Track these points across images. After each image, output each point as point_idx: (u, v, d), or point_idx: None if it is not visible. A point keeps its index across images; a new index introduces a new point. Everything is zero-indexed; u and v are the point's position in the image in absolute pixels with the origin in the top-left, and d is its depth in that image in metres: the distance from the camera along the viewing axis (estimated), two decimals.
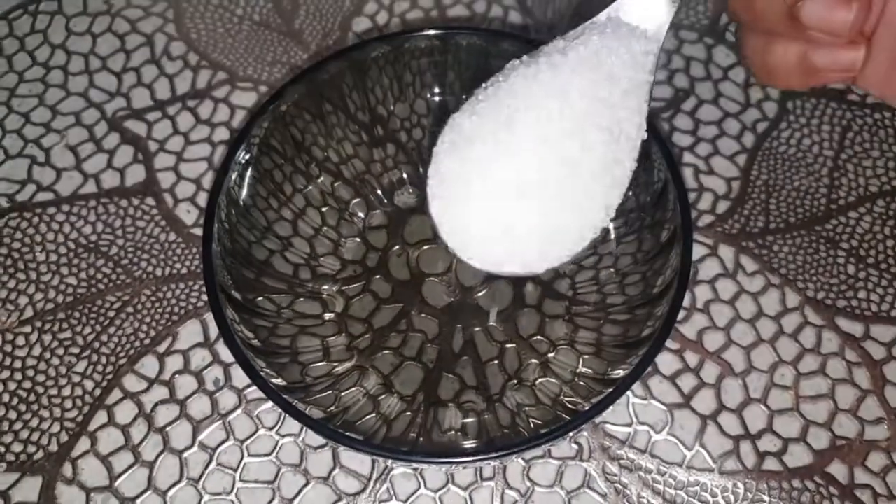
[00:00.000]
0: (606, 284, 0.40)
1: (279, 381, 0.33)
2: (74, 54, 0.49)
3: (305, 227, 0.41)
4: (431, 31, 0.39)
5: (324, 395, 0.37)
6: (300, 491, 0.38)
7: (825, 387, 0.40)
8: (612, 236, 0.40)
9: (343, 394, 0.37)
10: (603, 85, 0.30)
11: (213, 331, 0.41)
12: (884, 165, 0.45)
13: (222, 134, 0.46)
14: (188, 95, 0.47)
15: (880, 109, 0.47)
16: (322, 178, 0.41)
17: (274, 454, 0.38)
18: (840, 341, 0.41)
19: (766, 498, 0.37)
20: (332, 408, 0.36)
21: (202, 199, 0.44)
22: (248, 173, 0.37)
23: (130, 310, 0.41)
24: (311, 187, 0.41)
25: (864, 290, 0.42)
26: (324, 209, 0.41)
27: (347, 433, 0.31)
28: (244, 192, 0.37)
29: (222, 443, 0.38)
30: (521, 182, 0.30)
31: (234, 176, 0.36)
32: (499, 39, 0.39)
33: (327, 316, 0.40)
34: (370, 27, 0.49)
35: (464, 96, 0.32)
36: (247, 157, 0.37)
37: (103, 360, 0.40)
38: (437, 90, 0.42)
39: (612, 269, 0.40)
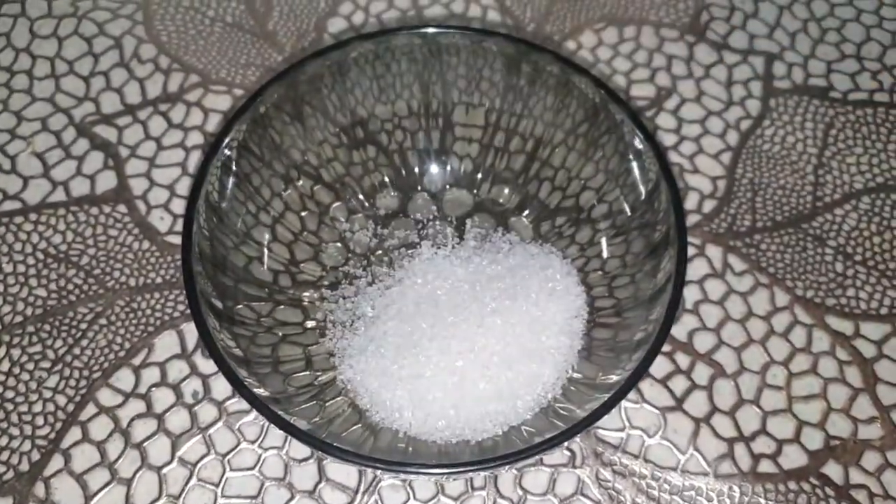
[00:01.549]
0: (594, 287, 0.39)
1: (262, 392, 0.32)
2: (39, 58, 0.47)
3: (285, 233, 0.39)
4: (416, 30, 0.38)
5: (308, 405, 0.35)
6: None
7: (817, 386, 0.39)
8: (602, 240, 0.39)
9: (327, 404, 0.36)
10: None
11: (191, 342, 0.39)
12: (868, 162, 0.45)
13: (196, 138, 0.44)
14: (160, 99, 0.46)
15: (862, 106, 0.47)
16: (301, 182, 0.40)
17: (257, 468, 0.37)
18: (831, 340, 0.40)
19: (762, 501, 0.37)
20: (316, 419, 0.35)
21: (176, 205, 0.43)
22: (226, 177, 0.36)
23: (104, 321, 0.40)
24: (289, 191, 0.40)
25: (852, 287, 0.42)
26: (303, 214, 0.40)
27: (337, 445, 0.30)
28: (221, 196, 0.36)
29: (203, 457, 0.37)
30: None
31: (212, 179, 0.35)
32: (483, 37, 0.38)
33: (308, 324, 0.39)
34: (346, 28, 0.48)
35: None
36: (224, 160, 0.36)
37: (76, 373, 0.39)
38: (417, 91, 0.41)
39: (599, 272, 0.39)
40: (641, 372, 0.32)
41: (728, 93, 0.47)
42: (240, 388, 0.30)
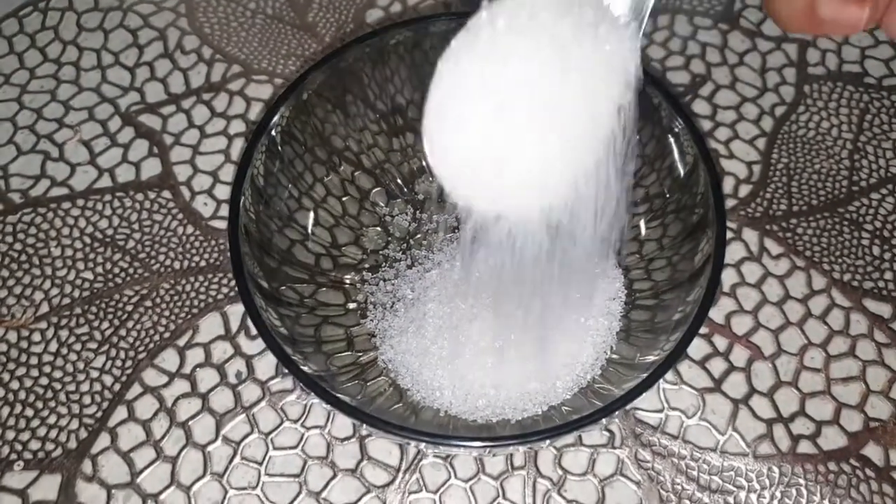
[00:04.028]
0: (632, 270, 0.39)
1: (309, 369, 0.33)
2: (86, 50, 0.48)
3: (326, 217, 0.40)
4: (453, 16, 0.39)
5: (350, 384, 0.36)
6: (327, 484, 0.37)
7: (856, 369, 0.39)
8: (640, 223, 0.40)
9: (369, 383, 0.37)
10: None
11: (235, 323, 0.40)
12: None
13: (238, 126, 0.45)
14: (203, 89, 0.47)
15: None
16: (342, 168, 0.41)
17: (300, 447, 0.38)
18: (868, 322, 0.40)
19: (801, 481, 0.37)
20: (359, 397, 0.36)
21: (220, 191, 0.44)
22: (270, 161, 0.37)
23: (149, 303, 0.41)
24: (331, 176, 0.40)
25: (889, 271, 0.42)
26: (344, 199, 0.41)
27: (383, 418, 0.31)
28: (266, 180, 0.37)
29: (246, 436, 0.38)
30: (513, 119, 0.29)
31: (256, 163, 0.36)
32: None
33: (350, 305, 0.39)
34: (384, 17, 0.49)
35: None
36: (269, 144, 0.36)
37: (122, 354, 0.39)
38: None
39: (637, 255, 0.39)
40: (680, 351, 0.32)
41: (762, 79, 0.47)
42: (288, 364, 0.31)
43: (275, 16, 0.49)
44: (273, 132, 0.36)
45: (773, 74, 0.47)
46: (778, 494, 0.36)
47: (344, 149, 0.41)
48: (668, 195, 0.38)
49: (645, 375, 0.32)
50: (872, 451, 0.38)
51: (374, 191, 0.42)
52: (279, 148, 0.37)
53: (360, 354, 0.38)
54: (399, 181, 0.42)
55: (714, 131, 0.45)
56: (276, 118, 0.36)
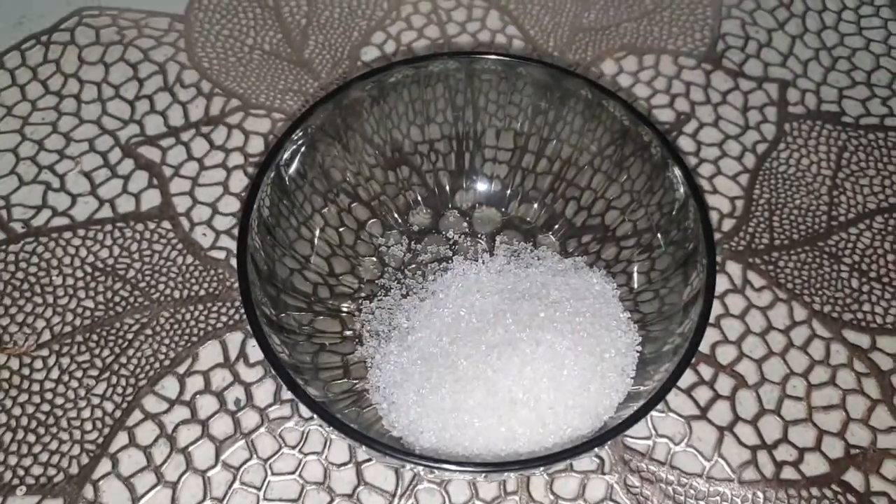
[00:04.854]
0: (623, 301, 0.41)
1: (313, 392, 0.34)
2: (87, 83, 0.49)
3: (324, 246, 0.41)
4: (454, 55, 0.40)
5: (347, 410, 0.37)
6: None
7: (836, 397, 0.41)
8: (628, 257, 0.41)
9: (364, 410, 0.38)
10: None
11: (234, 351, 0.41)
12: (880, 183, 0.47)
13: (237, 159, 0.47)
14: (202, 122, 0.48)
15: (874, 130, 0.49)
16: (340, 198, 0.42)
17: (297, 472, 0.38)
18: (848, 353, 0.42)
19: None
20: (353, 425, 0.36)
21: (218, 222, 0.45)
22: (275, 194, 0.38)
23: (149, 332, 0.41)
24: (329, 207, 0.41)
25: (868, 302, 0.43)
26: (341, 229, 0.42)
27: (381, 441, 0.32)
28: (270, 212, 0.38)
29: (245, 462, 0.38)
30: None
31: (263, 197, 0.37)
32: (518, 63, 0.40)
33: (346, 333, 0.40)
34: (378, 56, 0.50)
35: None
36: (274, 178, 0.38)
37: (123, 381, 0.40)
38: (450, 115, 0.43)
39: (625, 287, 0.41)
40: (673, 382, 0.33)
41: (744, 117, 0.49)
42: (293, 388, 0.32)
43: (272, 52, 0.50)
44: (280, 166, 0.38)
45: (755, 113, 0.49)
46: None
47: (342, 181, 0.42)
48: (656, 231, 0.40)
49: (636, 406, 0.33)
50: (853, 477, 0.39)
51: (369, 222, 0.43)
52: (284, 181, 0.38)
53: (356, 382, 0.39)
54: (394, 213, 0.43)
55: (698, 167, 0.47)
56: (283, 154, 0.37)
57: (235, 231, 0.44)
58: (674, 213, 0.38)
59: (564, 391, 0.36)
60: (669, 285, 0.38)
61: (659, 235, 0.39)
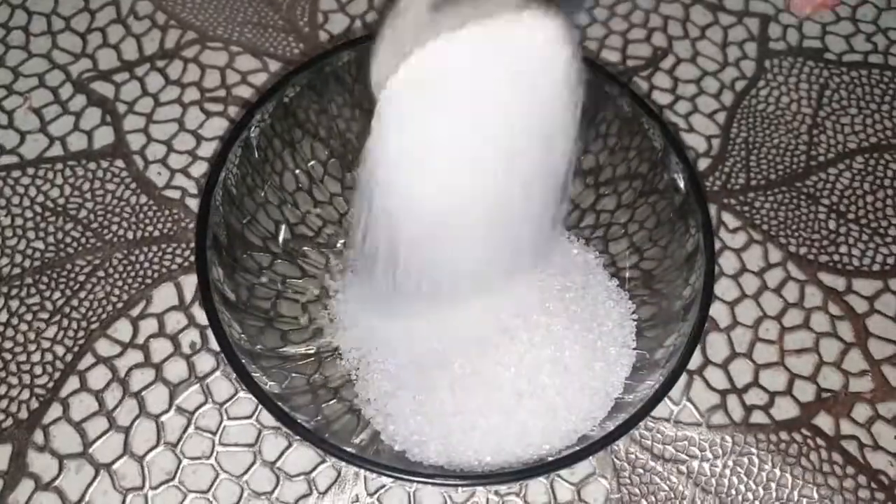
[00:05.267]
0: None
1: (268, 387, 0.32)
2: (36, 14, 0.47)
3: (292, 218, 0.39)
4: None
5: (306, 407, 0.35)
6: (283, 453, 0.37)
7: (809, 340, 0.40)
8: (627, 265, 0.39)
9: (323, 406, 0.35)
10: None
11: (189, 293, 0.40)
12: (861, 122, 0.45)
13: (193, 94, 0.45)
14: (156, 56, 0.46)
15: (857, 68, 0.47)
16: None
17: (254, 417, 0.37)
18: (823, 295, 0.41)
19: (753, 451, 0.37)
20: (314, 421, 0.34)
21: (173, 160, 0.43)
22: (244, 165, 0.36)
23: (101, 273, 0.40)
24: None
25: (845, 244, 0.42)
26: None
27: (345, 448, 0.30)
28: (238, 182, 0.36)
29: (200, 406, 0.37)
30: None
31: (230, 166, 0.34)
32: None
33: (320, 349, 0.38)
34: None
35: None
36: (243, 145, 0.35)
37: (74, 325, 0.39)
38: None
39: (606, 254, 0.39)
40: (667, 388, 0.31)
41: (723, 53, 0.47)
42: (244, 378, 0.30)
43: None
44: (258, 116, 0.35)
45: (735, 49, 0.47)
46: (730, 464, 0.37)
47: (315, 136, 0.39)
48: (652, 238, 0.38)
49: (626, 416, 0.31)
50: (823, 421, 0.38)
51: (329, 162, 0.41)
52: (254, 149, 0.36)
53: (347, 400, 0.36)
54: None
55: (674, 105, 0.45)
56: (255, 118, 0.35)
57: (191, 169, 0.43)
58: (674, 214, 0.36)
59: (570, 374, 0.34)
60: (665, 291, 0.36)
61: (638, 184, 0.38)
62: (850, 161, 0.44)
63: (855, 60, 0.47)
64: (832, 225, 0.42)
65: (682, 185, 0.34)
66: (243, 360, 0.31)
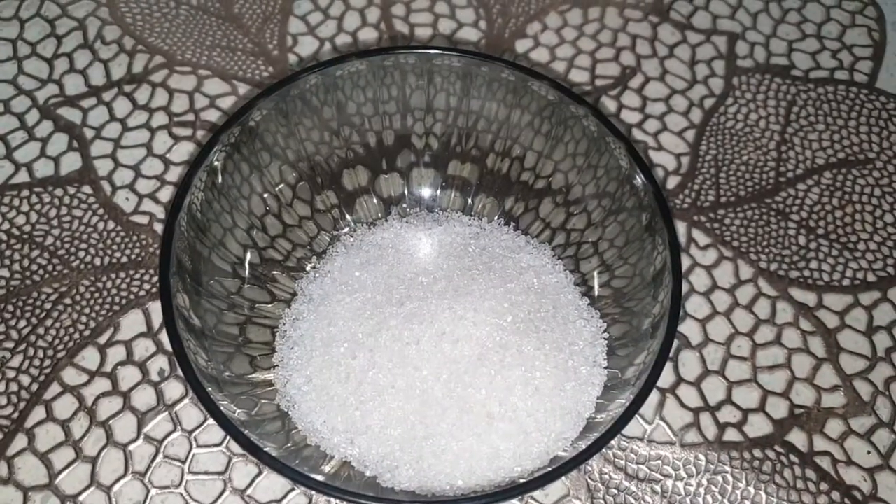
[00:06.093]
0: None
1: (234, 414, 0.31)
2: (1, 40, 0.47)
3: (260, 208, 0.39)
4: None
5: (275, 434, 0.34)
6: (253, 480, 0.36)
7: (782, 357, 0.40)
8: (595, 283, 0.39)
9: (293, 432, 0.35)
10: None
11: (157, 320, 0.39)
12: (829, 138, 0.46)
13: (161, 119, 0.44)
14: (124, 80, 0.45)
15: (824, 84, 0.47)
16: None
17: (224, 444, 0.37)
18: (794, 311, 0.41)
19: (727, 469, 0.37)
20: (283, 449, 0.33)
21: (141, 185, 0.42)
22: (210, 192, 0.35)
23: (68, 301, 0.39)
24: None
25: (815, 260, 0.42)
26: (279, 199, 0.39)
27: (313, 476, 0.30)
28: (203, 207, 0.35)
29: (169, 434, 0.37)
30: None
31: (217, 154, 0.34)
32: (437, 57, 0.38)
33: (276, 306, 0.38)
34: (312, 9, 0.48)
35: None
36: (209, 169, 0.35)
37: (40, 353, 0.38)
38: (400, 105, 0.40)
39: (577, 273, 0.39)
40: (636, 408, 0.31)
41: (692, 71, 0.47)
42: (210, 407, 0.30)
43: (199, 6, 0.48)
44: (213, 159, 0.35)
45: (703, 67, 0.48)
46: (704, 482, 0.37)
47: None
48: (620, 257, 0.38)
49: (598, 436, 0.31)
50: (797, 437, 0.38)
51: (299, 185, 0.40)
52: (224, 165, 0.36)
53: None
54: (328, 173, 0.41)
55: (643, 123, 0.46)
56: (215, 149, 0.35)
57: (159, 194, 0.42)
58: (642, 231, 0.36)
59: (541, 395, 0.34)
60: (634, 309, 0.36)
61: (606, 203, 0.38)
62: (818, 177, 0.44)
63: (821, 77, 0.48)
64: (802, 240, 0.43)
65: (648, 203, 0.34)
66: (209, 388, 0.30)
